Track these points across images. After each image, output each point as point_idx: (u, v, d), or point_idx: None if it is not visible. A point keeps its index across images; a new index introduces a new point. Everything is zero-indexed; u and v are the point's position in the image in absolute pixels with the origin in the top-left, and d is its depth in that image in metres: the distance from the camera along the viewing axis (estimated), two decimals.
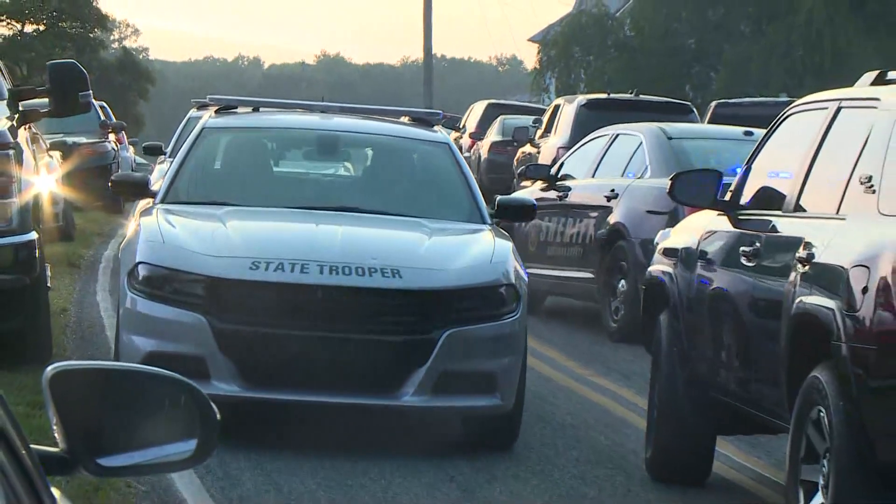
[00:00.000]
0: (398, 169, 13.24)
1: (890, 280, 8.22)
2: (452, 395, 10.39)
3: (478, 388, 10.44)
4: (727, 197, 11.04)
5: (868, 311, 8.39)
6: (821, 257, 9.11)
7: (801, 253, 9.28)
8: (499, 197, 12.66)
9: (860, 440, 8.39)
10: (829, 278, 8.99)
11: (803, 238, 9.46)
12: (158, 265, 10.65)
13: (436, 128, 13.63)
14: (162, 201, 11.97)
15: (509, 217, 12.56)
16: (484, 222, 11.96)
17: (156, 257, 10.69)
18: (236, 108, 13.53)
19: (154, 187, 20.66)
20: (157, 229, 11.09)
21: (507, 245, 11.40)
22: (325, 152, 13.64)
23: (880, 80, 10.09)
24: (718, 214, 10.94)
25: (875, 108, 9.82)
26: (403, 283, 10.47)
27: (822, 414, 8.65)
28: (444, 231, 11.71)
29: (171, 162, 19.41)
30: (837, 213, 9.46)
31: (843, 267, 8.84)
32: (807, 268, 9.20)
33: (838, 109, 10.10)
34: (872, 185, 9.08)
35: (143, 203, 19.53)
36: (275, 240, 11.27)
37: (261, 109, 13.82)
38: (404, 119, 14.05)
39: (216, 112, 13.30)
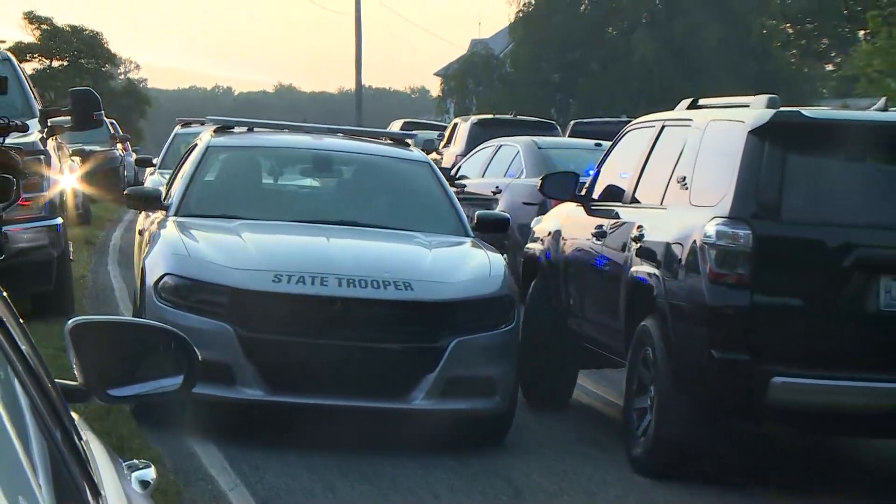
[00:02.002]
0: (387, 185, 11.50)
1: (696, 253, 8.65)
2: (458, 399, 9.12)
3: (480, 391, 9.18)
4: (583, 192, 11.14)
5: (681, 276, 8.77)
6: (648, 237, 9.42)
7: (635, 233, 9.57)
8: (478, 212, 11.11)
9: (674, 370, 8.66)
10: (653, 252, 9.28)
11: (636, 223, 9.70)
12: (185, 276, 9.17)
13: (412, 147, 12.06)
14: (175, 214, 10.28)
15: (487, 230, 10.81)
16: (467, 235, 10.54)
17: (182, 269, 9.21)
18: (233, 127, 11.74)
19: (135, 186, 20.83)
20: (180, 242, 9.58)
21: (500, 258, 10.06)
22: (321, 170, 11.75)
23: (693, 106, 10.30)
24: (576, 205, 11.10)
25: (688, 126, 10.01)
26: (415, 295, 9.12)
27: (648, 353, 8.92)
28: (439, 244, 10.28)
29: (160, 172, 18.67)
30: (661, 204, 9.74)
31: (663, 244, 9.14)
32: (638, 245, 9.48)
33: (663, 127, 10.40)
34: (686, 184, 9.36)
35: (149, 183, 19.00)
36: (293, 254, 9.68)
37: (255, 129, 11.98)
38: (383, 140, 12.43)
39: (215, 131, 11.50)
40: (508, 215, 11.91)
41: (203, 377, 8.90)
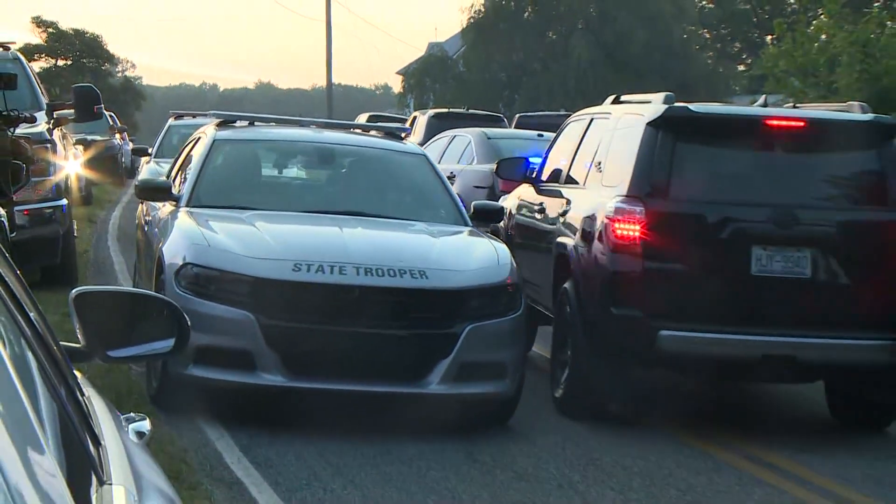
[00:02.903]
0: (388, 177, 10.61)
1: (601, 226, 9.07)
2: (470, 383, 8.39)
3: (492, 375, 8.47)
4: (532, 175, 11.57)
5: (590, 245, 9.17)
6: (570, 212, 10.03)
7: (562, 209, 10.23)
8: (474, 202, 10.29)
9: (583, 325, 9.16)
10: (572, 226, 9.81)
11: (564, 200, 10.34)
12: (206, 266, 8.36)
13: (405, 140, 11.19)
14: (187, 205, 9.40)
15: (483, 219, 10.07)
16: (466, 224, 9.76)
17: (203, 259, 8.41)
18: (235, 122, 10.79)
19: (141, 177, 20.13)
20: (199, 232, 8.77)
21: (504, 248, 9.28)
22: (325, 162, 10.74)
23: (616, 101, 10.72)
24: (528, 186, 11.46)
25: (608, 118, 10.52)
26: (430, 283, 8.36)
27: (568, 312, 9.38)
28: (443, 233, 9.45)
29: (156, 160, 18.14)
30: (584, 185, 10.30)
31: (580, 218, 9.67)
32: (563, 219, 10.14)
33: (591, 120, 10.90)
34: (601, 168, 9.93)
35: (144, 170, 18.53)
36: (310, 244, 8.78)
37: (256, 123, 10.98)
38: (375, 133, 11.57)
39: (218, 125, 10.58)
40: (503, 205, 11.07)
41: (224, 364, 8.05)
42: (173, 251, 8.67)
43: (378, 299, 8.31)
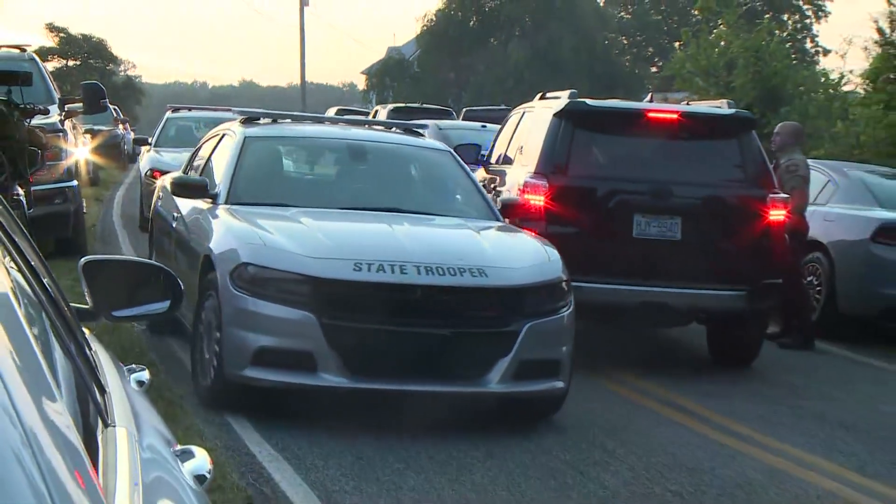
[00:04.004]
0: (417, 173, 9.39)
1: (516, 197, 9.42)
2: (528, 381, 7.28)
3: (548, 373, 7.39)
4: (486, 158, 11.87)
5: (508, 213, 9.02)
6: (499, 186, 10.48)
7: (499, 184, 10.58)
8: (501, 198, 9.27)
9: None
10: (499, 197, 9.93)
11: (498, 177, 10.80)
12: (264, 266, 7.10)
13: (425, 137, 9.92)
14: (225, 202, 8.17)
15: (510, 214, 8.85)
16: (498, 219, 8.59)
17: (260, 258, 7.14)
18: (259, 118, 9.41)
19: (141, 166, 18.68)
20: (253, 232, 7.47)
21: (550, 245, 8.01)
22: (356, 158, 9.22)
23: (542, 97, 11.09)
24: (482, 168, 11.88)
25: (532, 111, 10.98)
26: (489, 281, 7.20)
27: None
28: (484, 229, 8.21)
29: (155, 149, 17.59)
30: (512, 165, 10.75)
31: (505, 191, 10.12)
32: (496, 191, 10.39)
33: (524, 113, 11.00)
34: (522, 150, 10.52)
35: (145, 158, 17.89)
36: (367, 242, 7.52)
37: (278, 120, 9.59)
38: (395, 130, 10.01)
39: (242, 122, 9.25)
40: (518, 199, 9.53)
41: (284, 366, 6.91)
42: (225, 250, 7.39)
43: (439, 298, 7.13)
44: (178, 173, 9.66)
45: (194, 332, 7.68)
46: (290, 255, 7.10)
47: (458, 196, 8.92)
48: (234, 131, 9.09)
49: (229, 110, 19.00)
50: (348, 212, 8.23)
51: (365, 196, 8.68)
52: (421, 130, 9.87)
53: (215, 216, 7.98)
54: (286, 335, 6.98)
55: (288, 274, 7.03)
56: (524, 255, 7.63)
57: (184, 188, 8.65)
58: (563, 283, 7.51)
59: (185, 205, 8.80)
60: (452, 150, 9.43)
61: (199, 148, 10.19)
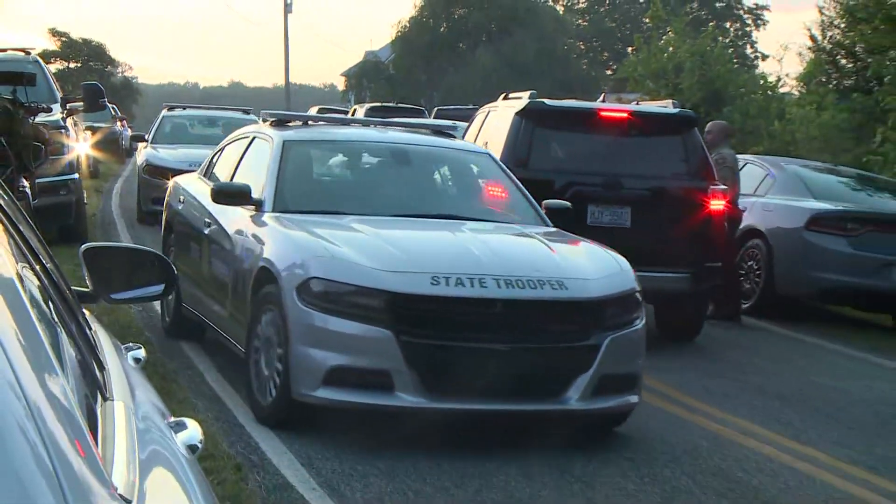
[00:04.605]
0: (462, 177, 8.23)
1: (568, 205, 8.45)
2: (607, 397, 6.32)
3: (626, 388, 6.43)
4: None
5: None
6: None
7: None
8: (546, 201, 7.96)
9: None
10: None
11: None
12: (335, 280, 6.07)
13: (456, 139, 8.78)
14: (272, 210, 7.07)
15: (555, 218, 7.72)
16: (546, 224, 7.55)
17: (331, 272, 6.10)
18: (290, 121, 8.27)
19: (138, 161, 18.22)
20: (317, 243, 6.37)
21: (617, 253, 7.00)
22: (399, 163, 8.00)
23: (505, 98, 11.01)
24: None
25: (496, 111, 10.90)
26: (570, 293, 6.23)
27: None
28: (550, 237, 7.14)
29: (152, 145, 17.01)
30: None
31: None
32: None
33: (489, 112, 11.25)
34: (487, 146, 9.74)
35: (142, 154, 17.30)
36: (441, 254, 6.46)
37: (309, 123, 8.49)
38: (426, 131, 8.82)
39: (273, 125, 8.07)
40: (570, 204, 8.30)
41: (359, 385, 5.91)
42: (288, 262, 6.32)
43: (520, 312, 6.17)
44: (221, 181, 8.03)
45: (248, 347, 6.61)
46: (363, 269, 6.09)
47: (504, 200, 7.89)
48: (267, 135, 7.94)
49: (245, 110, 18.62)
50: (402, 219, 7.19)
51: (415, 202, 7.62)
52: (452, 132, 8.71)
53: (264, 225, 6.93)
54: (361, 353, 5.98)
55: (362, 289, 6.02)
56: (598, 265, 6.66)
57: (225, 195, 7.37)
58: (638, 294, 6.64)
59: (221, 210, 7.61)
60: (491, 153, 8.42)
61: (220, 151, 8.98)
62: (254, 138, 8.23)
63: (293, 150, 7.69)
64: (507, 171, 8.15)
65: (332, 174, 8.34)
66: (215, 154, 9.05)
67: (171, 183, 9.53)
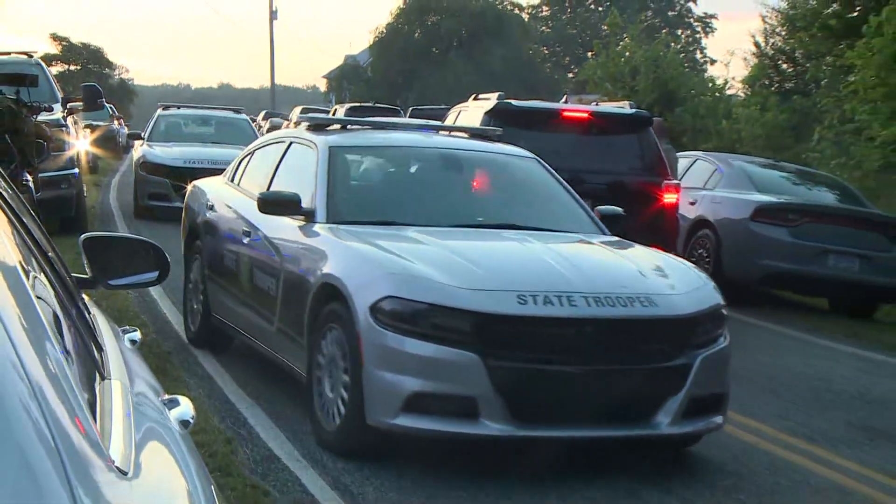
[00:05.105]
0: (515, 184, 7.15)
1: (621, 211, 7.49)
2: (696, 419, 5.51)
3: (714, 409, 5.64)
4: None
5: None
6: None
7: None
8: (600, 208, 7.02)
9: None
10: None
11: None
12: (413, 299, 5.17)
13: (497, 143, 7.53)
14: (326, 221, 6.13)
15: (610, 225, 6.80)
16: (604, 232, 6.65)
17: (409, 290, 5.20)
18: (328, 125, 7.22)
19: (134, 157, 17.45)
20: (389, 258, 5.45)
21: (694, 265, 6.27)
22: (451, 169, 6.95)
23: (475, 99, 11.09)
24: None
25: (466, 110, 11.02)
26: (660, 310, 5.40)
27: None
28: (621, 248, 6.28)
29: (148, 143, 16.49)
30: None
31: None
32: None
33: (460, 112, 11.29)
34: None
35: (138, 151, 16.70)
36: (522, 270, 5.54)
37: (348, 128, 7.26)
38: (465, 135, 7.68)
39: (312, 129, 7.08)
40: (622, 210, 7.21)
41: (441, 412, 5.06)
42: (359, 279, 5.41)
43: (611, 332, 5.33)
44: (270, 190, 6.85)
45: (309, 369, 5.74)
46: (443, 287, 5.21)
47: (560, 208, 6.92)
48: (308, 140, 6.95)
49: (236, 110, 18.29)
50: (463, 230, 6.26)
51: (473, 211, 6.72)
52: (492, 135, 7.67)
53: (320, 237, 6.01)
54: (445, 378, 5.11)
55: (444, 309, 5.14)
56: (682, 279, 5.79)
57: (274, 205, 6.35)
58: (724, 309, 5.82)
59: (263, 219, 6.63)
60: (538, 158, 7.36)
61: (249, 156, 7.92)
62: (291, 143, 7.21)
63: (341, 157, 6.71)
64: (555, 174, 7.18)
65: (383, 182, 7.08)
66: (243, 158, 7.99)
67: (190, 187, 8.59)
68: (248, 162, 7.86)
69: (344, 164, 6.74)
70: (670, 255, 6.34)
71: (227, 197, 7.65)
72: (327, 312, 5.57)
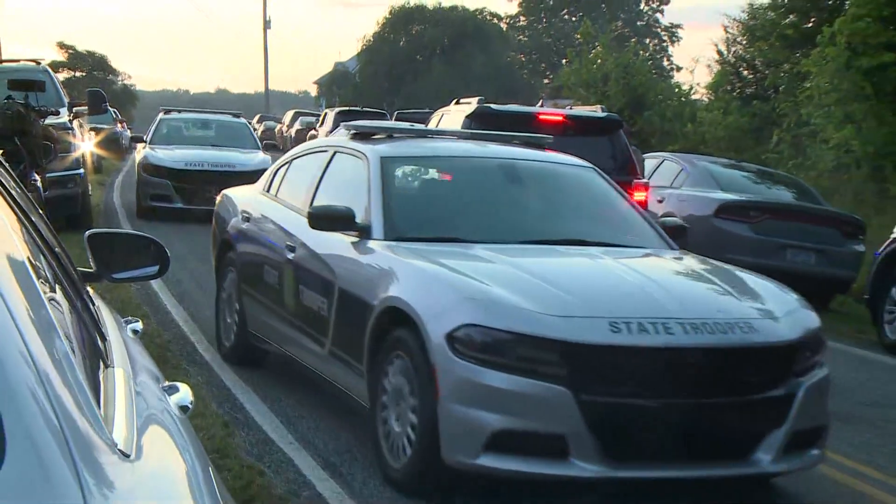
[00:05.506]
0: (575, 195, 6.28)
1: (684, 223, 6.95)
2: (796, 455, 4.76)
3: (814, 443, 4.88)
4: None
5: None
6: None
7: None
8: (663, 219, 6.46)
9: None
10: None
11: None
12: (495, 328, 4.41)
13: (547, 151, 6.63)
14: (384, 238, 5.31)
15: (674, 238, 6.04)
16: (672, 247, 5.86)
17: (489, 318, 4.43)
18: (375, 134, 6.30)
19: (137, 160, 17.03)
20: (466, 281, 4.68)
21: (782, 284, 5.36)
22: (510, 181, 6.04)
23: (457, 103, 11.15)
24: None
25: (449, 113, 11.29)
26: (761, 337, 4.65)
27: None
28: (697, 263, 5.57)
29: (150, 146, 16.06)
30: None
31: None
32: None
33: (442, 115, 11.36)
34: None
35: (140, 153, 16.15)
36: (611, 293, 4.78)
37: (394, 136, 6.35)
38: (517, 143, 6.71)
39: (355, 138, 6.25)
40: (683, 222, 6.52)
41: (527, 451, 4.32)
42: (430, 304, 4.63)
43: (710, 362, 4.56)
44: (321, 203, 5.91)
45: (373, 400, 4.96)
46: (528, 314, 4.44)
47: (625, 221, 6.08)
48: (355, 150, 6.08)
49: (235, 114, 18.07)
50: (531, 247, 5.44)
51: (538, 226, 5.81)
52: (543, 143, 6.75)
53: (379, 255, 5.20)
54: (533, 415, 4.37)
55: (530, 338, 4.37)
56: (776, 301, 5.02)
57: (326, 220, 5.56)
58: (821, 332, 5.05)
59: (312, 235, 5.78)
60: (596, 168, 6.55)
61: (286, 165, 7.04)
62: (335, 153, 6.35)
63: (393, 168, 5.87)
64: (614, 184, 6.40)
65: (440, 195, 6.09)
66: (279, 168, 7.11)
67: (220, 197, 7.72)
68: (286, 172, 6.96)
69: (395, 176, 5.85)
70: (751, 272, 5.56)
71: (264, 208, 6.79)
72: (393, 339, 4.79)
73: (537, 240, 5.56)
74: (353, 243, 5.44)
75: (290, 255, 6.01)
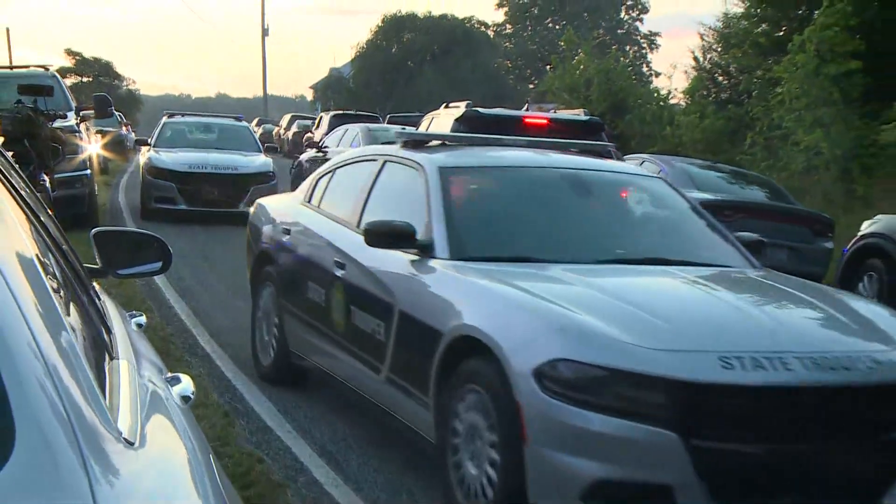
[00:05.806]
0: (647, 209, 5.51)
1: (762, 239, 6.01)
2: None
3: None
4: None
5: None
6: None
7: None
8: (740, 234, 5.53)
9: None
10: None
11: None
12: (592, 363, 3.57)
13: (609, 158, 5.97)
14: (449, 257, 4.56)
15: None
16: (755, 266, 5.10)
17: (584, 352, 3.60)
18: (428, 142, 5.60)
19: (141, 162, 16.74)
20: (554, 309, 3.85)
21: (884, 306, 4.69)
22: (579, 193, 5.20)
23: (447, 107, 11.12)
24: None
25: (438, 116, 11.84)
26: (888, 373, 3.86)
27: None
28: (791, 285, 4.74)
29: (155, 149, 15.78)
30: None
31: None
32: None
33: (432, 119, 11.45)
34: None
35: (145, 156, 15.89)
36: (714, 323, 3.92)
37: (448, 143, 5.65)
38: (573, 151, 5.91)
39: (407, 146, 5.50)
40: (759, 237, 5.65)
41: (630, 501, 3.61)
42: (513, 334, 3.88)
43: (834, 403, 3.80)
44: (375, 219, 5.01)
45: (442, 440, 4.23)
46: (628, 348, 3.69)
47: (702, 237, 5.34)
48: (410, 160, 5.34)
49: (236, 117, 17.95)
50: (611, 267, 4.69)
51: (613, 243, 5.03)
52: (604, 151, 5.99)
53: (444, 275, 4.49)
54: (635, 462, 3.62)
55: (631, 375, 3.62)
56: (892, 328, 4.24)
57: (383, 236, 4.75)
58: None
59: (365, 252, 5.00)
60: (664, 178, 5.98)
61: (329, 175, 6.26)
62: (385, 162, 5.57)
63: (453, 180, 5.08)
64: (689, 198, 5.70)
65: (506, 209, 5.14)
66: (321, 177, 6.35)
67: (254, 207, 7.02)
68: (329, 182, 6.19)
69: (458, 188, 5.09)
70: (854, 295, 4.85)
71: (306, 220, 6.03)
72: (466, 371, 4.07)
73: (611, 259, 4.80)
74: (412, 262, 4.69)
75: (340, 273, 5.25)
